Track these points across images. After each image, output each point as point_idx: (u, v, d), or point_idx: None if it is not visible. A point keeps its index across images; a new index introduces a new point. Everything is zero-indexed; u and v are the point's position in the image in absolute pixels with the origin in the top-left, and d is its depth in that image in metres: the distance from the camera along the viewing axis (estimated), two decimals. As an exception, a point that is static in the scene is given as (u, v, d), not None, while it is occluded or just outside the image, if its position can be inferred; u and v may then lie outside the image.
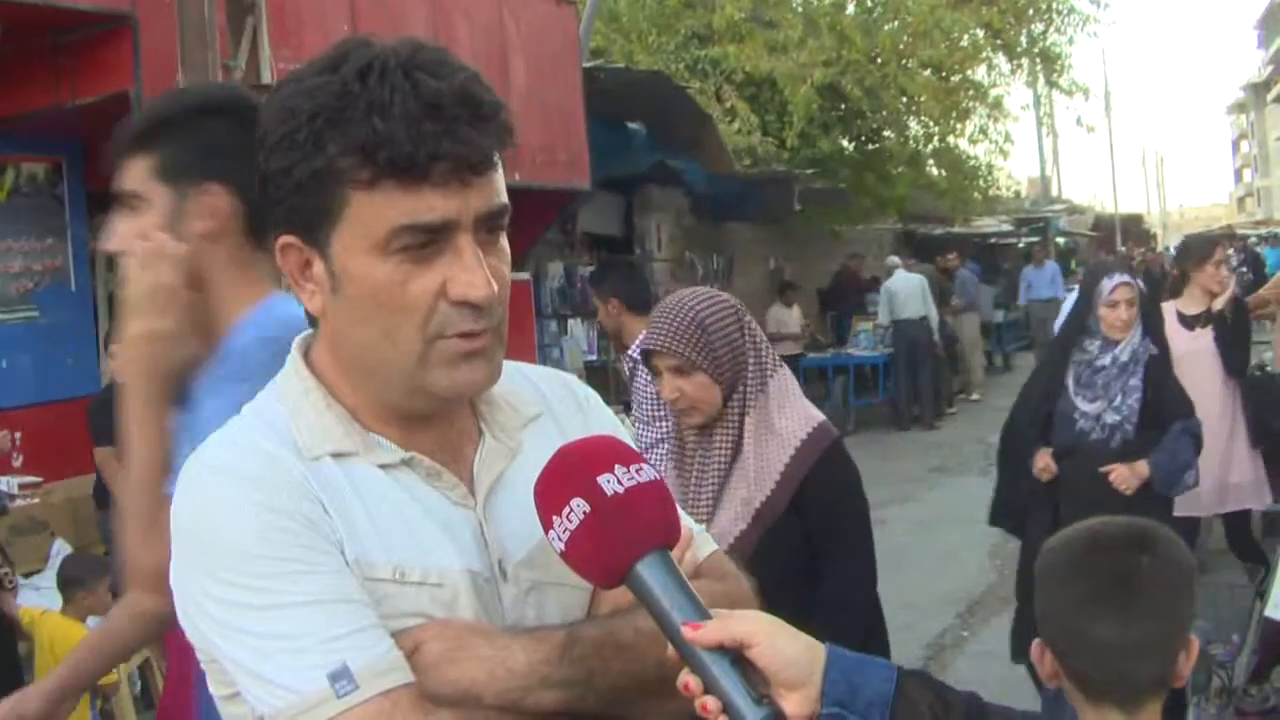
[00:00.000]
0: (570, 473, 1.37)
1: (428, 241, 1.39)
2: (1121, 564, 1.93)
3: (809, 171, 18.23)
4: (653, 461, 2.37)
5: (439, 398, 1.47)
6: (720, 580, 1.60)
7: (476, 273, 1.40)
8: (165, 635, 2.37)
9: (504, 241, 1.47)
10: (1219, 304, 7.08)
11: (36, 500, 7.22)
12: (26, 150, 8.03)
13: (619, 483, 1.34)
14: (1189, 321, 6.96)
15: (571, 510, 1.34)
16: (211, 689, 1.48)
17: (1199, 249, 7.24)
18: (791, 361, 17.08)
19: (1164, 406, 5.22)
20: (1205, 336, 6.89)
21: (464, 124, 1.36)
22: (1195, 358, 6.64)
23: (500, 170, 1.44)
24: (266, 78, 6.03)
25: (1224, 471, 6.78)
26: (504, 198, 1.44)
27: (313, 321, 1.55)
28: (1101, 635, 1.91)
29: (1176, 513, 6.16)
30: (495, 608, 1.49)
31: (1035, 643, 2.00)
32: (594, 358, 13.97)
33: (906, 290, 16.53)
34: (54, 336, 8.15)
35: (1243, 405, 7.00)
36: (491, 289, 1.41)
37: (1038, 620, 2.01)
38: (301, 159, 1.38)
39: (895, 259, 18.44)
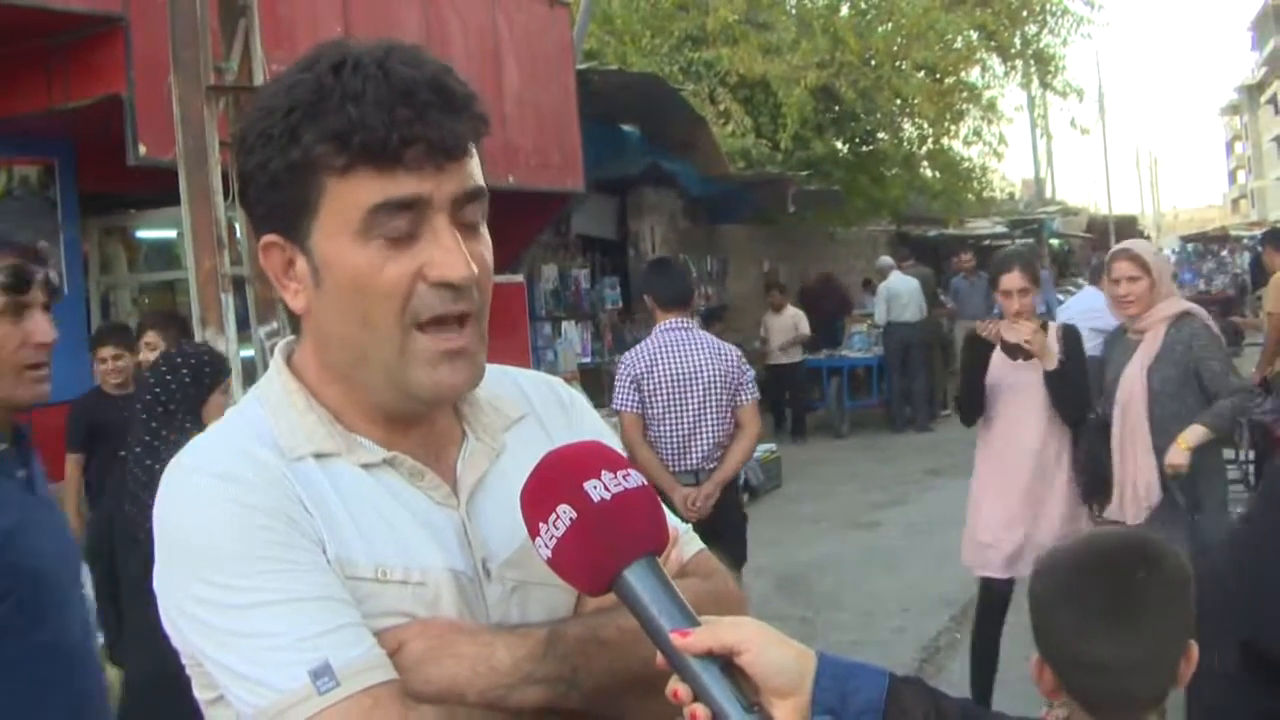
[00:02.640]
0: (557, 479, 1.35)
1: (405, 226, 1.39)
2: (1118, 582, 1.89)
3: (803, 173, 18.26)
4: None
5: (420, 399, 1.47)
6: (707, 579, 1.60)
7: (455, 254, 1.40)
8: None
9: (484, 230, 1.48)
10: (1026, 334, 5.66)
11: (29, 504, 7.20)
12: (18, 153, 8.00)
13: (606, 489, 1.33)
14: (1011, 350, 5.68)
15: (558, 517, 1.32)
16: (196, 693, 1.48)
17: (996, 266, 5.93)
18: (785, 371, 16.51)
19: None
20: (1032, 369, 5.65)
21: (436, 110, 1.38)
22: (1017, 393, 5.69)
23: (476, 159, 1.45)
24: (259, 80, 6.00)
25: (1032, 529, 5.61)
26: (480, 181, 1.45)
27: (295, 327, 1.55)
28: (1102, 655, 1.88)
29: (983, 573, 5.77)
30: (479, 607, 1.48)
31: (1034, 659, 1.97)
32: (588, 360, 13.97)
33: (906, 292, 16.53)
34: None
35: (1071, 453, 5.72)
36: (470, 270, 1.41)
37: (1036, 638, 1.98)
38: (278, 152, 1.40)
39: (888, 259, 18.41)
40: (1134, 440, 5.42)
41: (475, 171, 1.44)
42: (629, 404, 6.30)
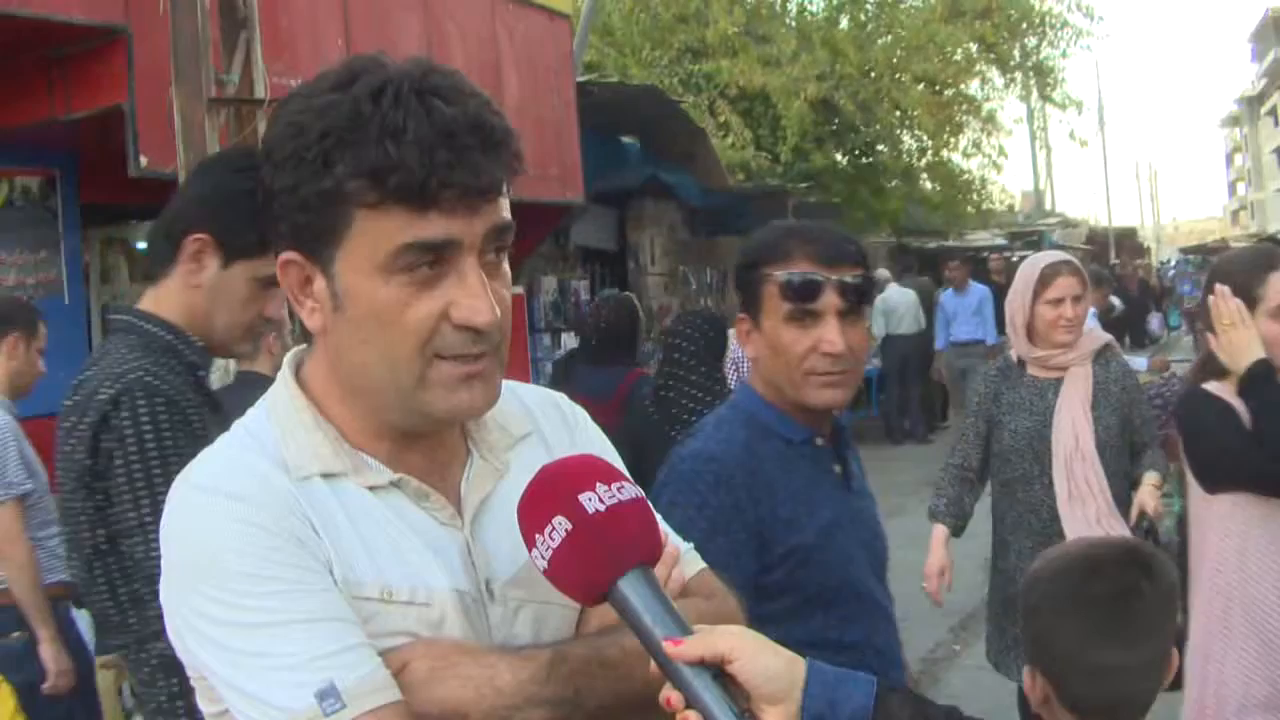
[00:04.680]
0: (552, 491, 1.37)
1: (432, 263, 1.39)
2: (1123, 590, 1.95)
3: (802, 185, 18.27)
4: None
5: (436, 419, 1.48)
6: (708, 598, 1.62)
7: (480, 298, 1.40)
8: None
9: (505, 265, 1.48)
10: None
11: (28, 514, 7.22)
12: (20, 163, 8.02)
13: (600, 501, 1.35)
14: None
15: (554, 529, 1.34)
16: (200, 705, 1.49)
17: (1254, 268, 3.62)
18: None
19: None
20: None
21: (475, 152, 1.36)
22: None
23: (506, 194, 1.44)
24: (260, 92, 6.02)
25: None
26: (508, 215, 1.45)
27: (305, 337, 1.56)
28: (1108, 661, 1.93)
29: None
30: (483, 627, 1.49)
31: (1026, 670, 1.99)
32: (587, 371, 13.94)
33: (904, 305, 16.53)
34: (48, 350, 8.12)
35: None
36: (494, 314, 1.41)
37: (1031, 649, 2.00)
38: (309, 177, 1.38)
39: (884, 272, 18.40)
40: (1092, 501, 4.40)
41: (505, 207, 1.44)
42: None
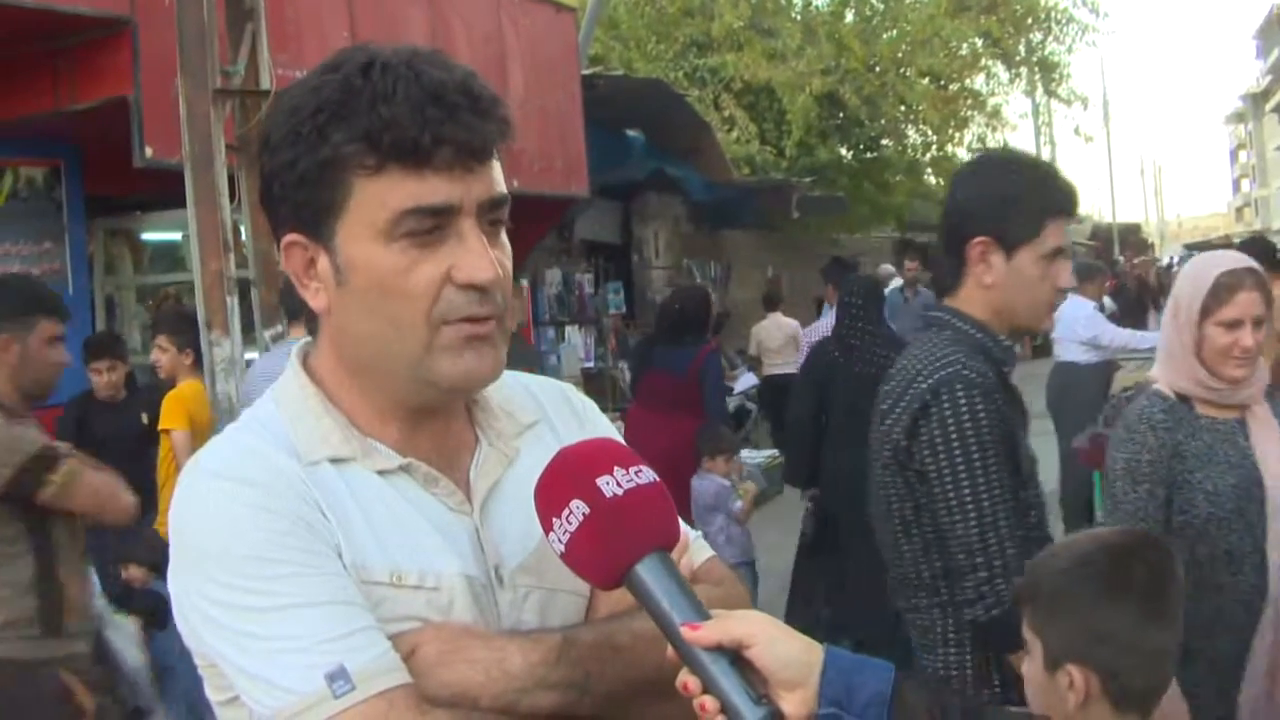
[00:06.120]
0: (570, 475, 1.37)
1: (432, 227, 1.40)
2: (1159, 571, 2.01)
3: (807, 180, 18.26)
4: None
5: (443, 388, 1.47)
6: (717, 585, 1.61)
7: (482, 256, 1.41)
8: None
9: (504, 236, 1.49)
10: None
11: (33, 504, 7.24)
12: (25, 154, 8.02)
13: (618, 485, 1.35)
14: None
15: (571, 512, 1.34)
16: (209, 694, 1.48)
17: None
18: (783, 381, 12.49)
19: None
20: None
21: (465, 111, 1.39)
22: None
23: (499, 164, 1.46)
24: (265, 84, 6.03)
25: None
26: (504, 188, 1.46)
27: (311, 328, 1.55)
28: (1159, 644, 1.98)
29: None
30: (492, 613, 1.49)
31: (1069, 669, 1.97)
32: (591, 365, 13.97)
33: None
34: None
35: None
36: (496, 271, 1.42)
37: (1080, 644, 1.97)
38: (306, 151, 1.40)
39: (888, 267, 18.36)
40: None
41: (499, 177, 1.45)
42: None
